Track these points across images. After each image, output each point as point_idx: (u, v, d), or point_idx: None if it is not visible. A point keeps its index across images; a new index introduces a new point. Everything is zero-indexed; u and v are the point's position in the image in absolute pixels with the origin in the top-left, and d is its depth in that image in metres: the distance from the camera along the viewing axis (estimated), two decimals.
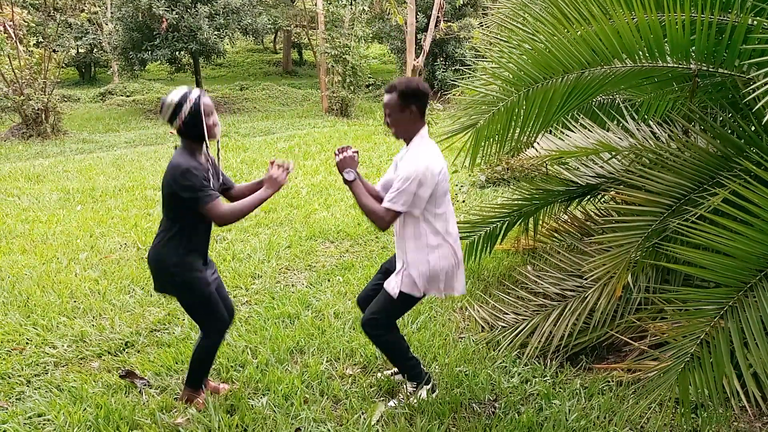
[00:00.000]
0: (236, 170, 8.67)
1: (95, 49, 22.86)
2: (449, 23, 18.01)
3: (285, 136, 12.49)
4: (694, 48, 2.96)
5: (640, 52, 3.02)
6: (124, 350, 3.55)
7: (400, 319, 3.39)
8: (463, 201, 6.97)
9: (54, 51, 13.67)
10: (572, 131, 4.03)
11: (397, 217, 2.70)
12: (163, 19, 15.75)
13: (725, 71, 3.00)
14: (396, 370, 3.21)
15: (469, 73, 4.03)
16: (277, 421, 2.81)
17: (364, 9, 15.26)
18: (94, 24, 19.81)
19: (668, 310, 2.95)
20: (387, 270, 3.01)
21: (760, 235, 2.36)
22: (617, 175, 3.80)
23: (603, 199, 4.39)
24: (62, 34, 13.69)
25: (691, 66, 3.03)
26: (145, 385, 3.14)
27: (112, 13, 19.10)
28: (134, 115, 16.70)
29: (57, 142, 12.06)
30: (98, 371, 3.30)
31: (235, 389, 3.06)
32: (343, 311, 4.00)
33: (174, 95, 2.62)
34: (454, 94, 8.13)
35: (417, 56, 15.80)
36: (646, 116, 3.82)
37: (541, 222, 4.44)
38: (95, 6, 15.88)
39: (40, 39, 13.66)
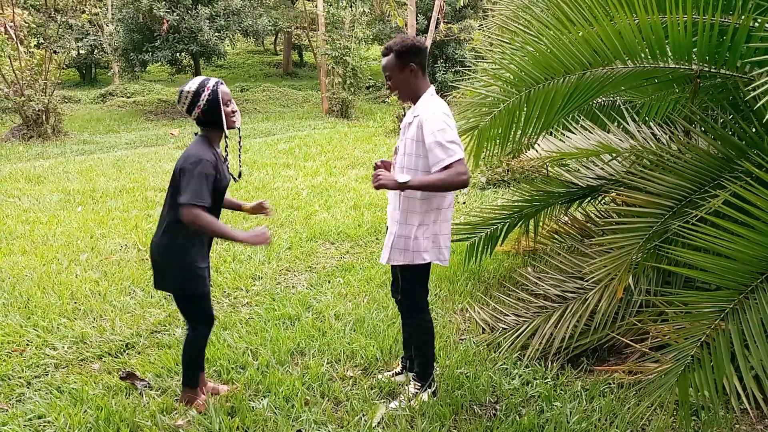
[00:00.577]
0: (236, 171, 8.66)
1: (96, 51, 22.88)
2: (449, 25, 18.02)
3: (285, 137, 12.50)
4: (695, 49, 2.96)
5: (642, 53, 3.02)
6: (124, 352, 3.55)
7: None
8: (464, 202, 6.97)
9: (55, 52, 13.68)
10: (573, 133, 4.03)
11: (463, 162, 2.57)
12: (164, 21, 15.76)
13: (727, 72, 3.00)
14: (397, 371, 3.21)
15: (470, 75, 4.04)
16: (278, 423, 2.80)
17: (364, 11, 15.27)
18: (94, 25, 19.82)
19: (669, 313, 2.95)
20: None
21: (760, 238, 2.36)
22: (618, 177, 3.79)
23: (603, 201, 4.39)
24: (63, 36, 13.70)
25: (693, 67, 3.03)
26: (145, 386, 3.14)
27: (112, 14, 19.12)
28: (135, 117, 16.71)
29: (57, 143, 12.07)
30: (99, 373, 3.30)
31: (235, 391, 3.06)
32: (344, 313, 4.00)
33: (191, 84, 2.61)
34: (454, 96, 8.14)
35: None
36: (646, 118, 3.82)
37: (541, 223, 4.44)
38: (96, 7, 15.87)
39: (41, 40, 13.66)
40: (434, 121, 2.58)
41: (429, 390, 2.98)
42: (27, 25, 12.84)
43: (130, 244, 5.48)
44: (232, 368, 3.30)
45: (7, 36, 11.86)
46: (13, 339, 3.65)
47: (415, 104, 2.75)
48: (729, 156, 2.98)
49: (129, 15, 16.42)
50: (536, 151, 4.25)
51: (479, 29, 15.63)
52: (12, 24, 11.91)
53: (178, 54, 16.92)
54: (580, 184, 4.08)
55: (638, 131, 3.62)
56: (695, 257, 2.52)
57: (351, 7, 14.70)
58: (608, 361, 3.39)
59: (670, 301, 2.99)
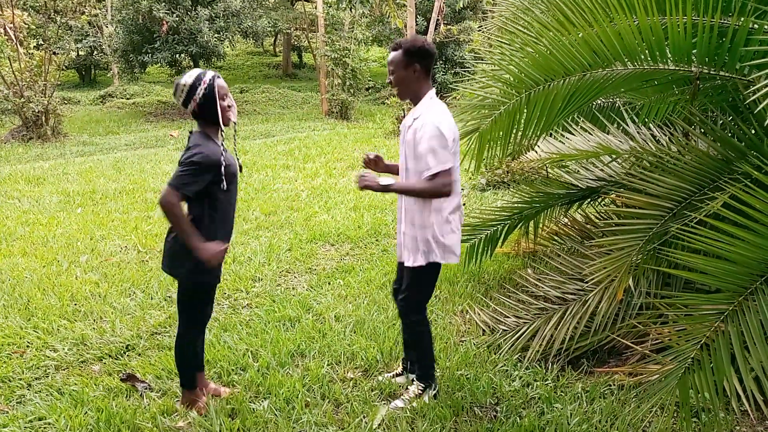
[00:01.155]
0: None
1: (95, 52, 22.87)
2: (449, 26, 18.04)
3: (285, 138, 12.50)
4: (695, 51, 2.96)
5: (642, 55, 3.02)
6: (125, 353, 3.55)
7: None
8: (464, 204, 6.97)
9: (54, 53, 13.68)
10: (573, 134, 4.03)
11: (450, 174, 2.62)
12: (164, 22, 15.77)
13: (726, 74, 3.01)
14: (397, 372, 3.21)
15: (469, 76, 4.04)
16: (279, 425, 2.80)
17: (363, 12, 15.28)
18: (94, 26, 19.83)
19: (670, 315, 2.95)
20: None
21: (760, 240, 2.36)
22: (618, 178, 3.80)
23: (603, 202, 4.39)
24: (63, 37, 13.71)
25: (693, 69, 3.03)
26: (146, 388, 3.14)
27: (112, 15, 19.13)
28: (134, 118, 16.71)
29: (57, 144, 12.07)
30: (99, 374, 3.30)
31: (236, 393, 3.06)
32: (344, 314, 4.00)
33: (187, 77, 2.58)
34: (454, 98, 8.14)
35: None
36: (646, 119, 3.82)
37: (541, 225, 4.45)
38: (95, 9, 15.87)
39: (41, 41, 13.65)
40: (430, 128, 2.60)
41: (431, 392, 2.98)
42: (27, 26, 12.84)
43: (130, 245, 5.48)
44: (233, 370, 3.30)
45: (6, 37, 11.87)
46: (14, 341, 3.65)
47: (415, 105, 2.77)
48: (728, 158, 2.99)
49: (128, 16, 16.43)
50: (536, 152, 4.26)
51: (479, 31, 15.65)
52: (12, 25, 11.92)
53: (177, 55, 16.93)
54: (579, 185, 4.08)
55: (638, 133, 3.63)
56: (694, 259, 2.52)
57: (351, 8, 14.71)
58: (608, 362, 3.39)
59: (670, 303, 3.00)
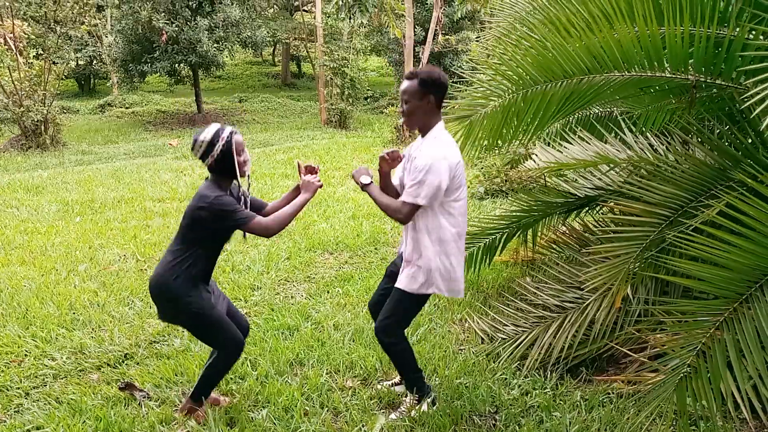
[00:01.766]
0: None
1: (95, 61, 22.93)
2: (447, 36, 18.14)
3: (284, 147, 12.53)
4: (692, 60, 2.99)
5: (639, 62, 3.05)
6: (123, 362, 3.55)
7: None
8: None
9: (54, 63, 13.72)
10: (570, 144, 4.05)
11: (416, 210, 2.66)
12: (163, 32, 15.81)
13: (723, 83, 3.03)
14: (396, 381, 3.21)
15: (467, 87, 4.07)
16: None
17: (362, 22, 15.35)
18: (93, 36, 19.88)
19: (667, 322, 2.96)
20: (393, 273, 2.99)
21: (754, 247, 2.38)
22: (615, 187, 3.82)
23: (601, 211, 4.41)
24: (62, 47, 13.72)
25: (690, 77, 3.06)
26: (144, 397, 3.14)
27: (111, 25, 19.20)
28: (133, 127, 16.74)
29: (56, 153, 12.08)
30: (97, 383, 3.29)
31: (234, 401, 3.05)
32: (343, 323, 4.00)
33: (207, 134, 2.65)
34: (452, 107, 8.17)
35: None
36: (643, 128, 3.85)
37: (539, 233, 4.46)
38: (95, 18, 15.91)
39: (40, 51, 13.70)
40: (431, 161, 2.61)
41: (428, 399, 2.98)
42: (26, 36, 12.89)
43: (128, 254, 5.48)
44: (231, 379, 3.30)
45: (6, 47, 11.90)
46: (12, 349, 3.65)
47: (423, 136, 2.77)
48: (724, 166, 3.01)
49: (128, 26, 16.48)
50: (534, 161, 4.28)
51: (477, 41, 15.73)
52: (11, 35, 11.96)
53: (176, 65, 16.96)
54: (578, 194, 4.10)
55: (635, 142, 3.65)
56: (691, 267, 2.54)
57: (350, 18, 14.79)
58: (607, 370, 3.39)
59: (667, 311, 3.01)
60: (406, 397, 3.04)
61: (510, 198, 6.98)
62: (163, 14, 15.68)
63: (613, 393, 3.12)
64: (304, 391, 3.16)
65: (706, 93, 3.41)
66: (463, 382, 3.24)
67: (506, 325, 3.72)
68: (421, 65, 16.13)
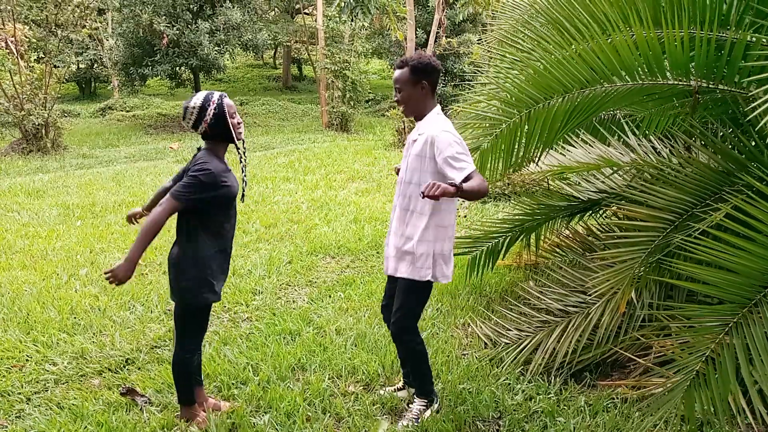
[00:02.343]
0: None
1: (96, 65, 22.97)
2: (449, 39, 18.14)
3: (285, 151, 12.52)
4: (693, 64, 2.97)
5: (639, 70, 3.03)
6: (124, 367, 3.53)
7: None
8: (465, 216, 6.97)
9: (55, 66, 13.73)
10: (574, 147, 4.04)
11: (477, 172, 2.56)
12: (164, 35, 15.85)
13: (725, 87, 3.02)
14: (399, 386, 3.19)
15: (469, 89, 4.06)
16: None
17: (364, 25, 15.37)
18: (95, 40, 19.90)
19: (673, 327, 2.94)
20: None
21: (762, 251, 2.36)
22: (619, 190, 3.80)
23: (605, 215, 4.39)
24: (63, 50, 13.74)
25: (692, 83, 3.04)
26: (146, 402, 3.12)
27: (112, 29, 19.22)
28: (134, 131, 16.75)
29: (57, 157, 12.08)
30: (99, 388, 3.27)
31: (236, 407, 3.04)
32: (345, 327, 3.98)
33: (196, 100, 2.64)
34: (454, 109, 8.17)
35: None
36: (647, 131, 3.83)
37: (543, 237, 4.44)
38: (96, 22, 15.93)
39: (41, 54, 13.72)
40: (444, 139, 2.59)
41: (434, 406, 2.96)
42: (27, 39, 12.91)
43: None
44: (233, 384, 3.28)
45: (7, 51, 11.91)
46: (13, 354, 3.63)
47: (419, 121, 2.77)
48: (729, 169, 2.99)
49: (129, 29, 16.51)
50: (537, 165, 4.26)
51: (478, 43, 15.74)
52: (13, 39, 11.97)
53: (177, 68, 17.01)
54: (581, 197, 4.08)
55: (639, 145, 3.64)
56: (698, 270, 2.52)
57: (352, 20, 14.80)
58: (612, 375, 3.37)
59: (673, 315, 2.99)
60: (410, 403, 3.02)
61: (513, 201, 6.98)
62: (164, 17, 15.71)
63: (617, 398, 3.10)
64: (306, 396, 3.14)
65: (709, 97, 3.39)
66: (466, 387, 3.22)
67: (509, 330, 3.71)
68: (414, 53, 16.11)
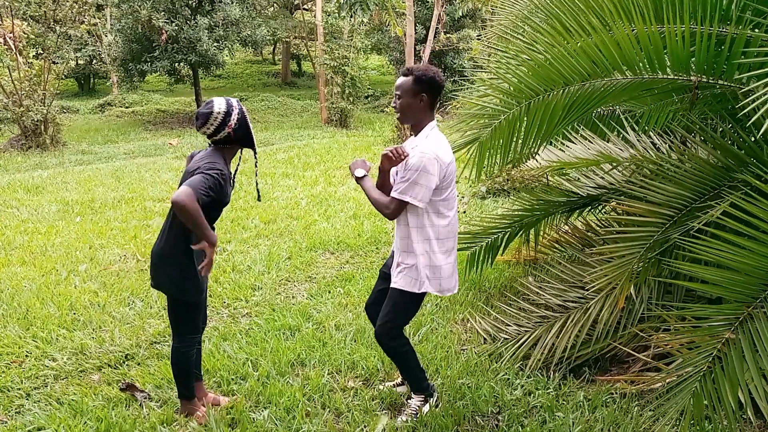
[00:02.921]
0: (235, 181, 8.67)
1: (94, 61, 22.90)
2: (448, 35, 18.11)
3: (284, 147, 12.51)
4: (693, 59, 2.97)
5: (641, 64, 3.03)
6: (124, 363, 3.53)
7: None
8: (464, 212, 6.97)
9: (54, 62, 13.69)
10: (573, 142, 4.03)
11: (404, 207, 2.67)
12: (163, 31, 15.79)
13: (725, 83, 3.01)
14: (398, 381, 3.19)
15: (469, 85, 4.05)
16: None
17: (363, 21, 15.33)
18: (93, 35, 19.86)
19: (674, 325, 2.94)
20: (386, 274, 2.98)
21: (763, 249, 2.36)
22: (618, 186, 3.80)
23: (604, 210, 4.39)
24: (62, 46, 13.69)
25: (692, 78, 3.04)
26: (145, 398, 3.12)
27: (111, 24, 19.17)
28: (133, 127, 16.72)
29: (56, 153, 12.06)
30: (98, 384, 3.28)
31: (236, 402, 3.04)
32: (344, 323, 3.99)
33: (219, 106, 2.62)
34: (454, 106, 8.16)
35: None
36: (646, 127, 3.83)
37: (542, 233, 4.44)
38: (95, 18, 15.88)
39: (40, 51, 13.67)
40: (422, 160, 2.60)
41: (432, 400, 2.97)
42: (26, 35, 12.86)
43: (129, 254, 5.46)
44: (233, 379, 3.29)
45: (6, 47, 11.88)
46: (12, 350, 3.64)
47: (416, 134, 2.77)
48: (728, 166, 2.99)
49: (128, 25, 16.45)
50: (536, 160, 4.26)
51: (478, 39, 15.72)
52: (11, 35, 11.94)
53: (176, 64, 16.94)
54: (580, 193, 4.08)
55: (638, 141, 3.63)
56: (697, 269, 2.52)
57: (350, 16, 14.76)
58: (610, 370, 3.38)
59: (675, 313, 2.99)
60: (409, 399, 3.02)
61: (512, 197, 6.97)
62: (162, 13, 15.65)
63: (616, 393, 3.10)
64: (306, 391, 3.15)
65: (708, 92, 3.39)
66: (465, 382, 3.23)
67: (509, 325, 3.71)
68: (422, 64, 16.10)
